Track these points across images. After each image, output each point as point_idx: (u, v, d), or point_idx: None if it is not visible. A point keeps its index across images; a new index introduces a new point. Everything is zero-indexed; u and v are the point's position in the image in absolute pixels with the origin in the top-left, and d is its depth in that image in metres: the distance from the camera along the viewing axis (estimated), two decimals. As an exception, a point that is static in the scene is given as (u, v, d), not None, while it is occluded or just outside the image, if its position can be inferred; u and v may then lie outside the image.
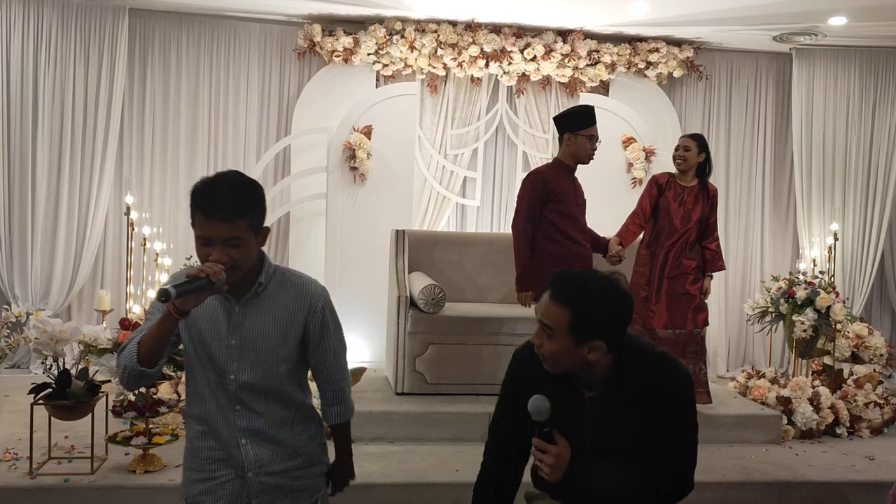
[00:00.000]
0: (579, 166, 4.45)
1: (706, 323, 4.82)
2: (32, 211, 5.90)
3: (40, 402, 3.67)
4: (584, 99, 6.39)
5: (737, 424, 4.81)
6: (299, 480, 2.15)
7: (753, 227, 6.90)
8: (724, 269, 5.06)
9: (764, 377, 5.44)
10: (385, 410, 4.60)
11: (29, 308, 5.52)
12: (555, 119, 4.47)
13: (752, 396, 5.21)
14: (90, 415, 3.74)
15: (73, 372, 3.74)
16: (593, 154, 4.39)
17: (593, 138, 4.34)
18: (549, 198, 4.32)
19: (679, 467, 2.05)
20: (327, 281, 5.84)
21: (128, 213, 5.73)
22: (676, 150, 4.81)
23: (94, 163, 6.00)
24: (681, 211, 4.75)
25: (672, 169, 4.88)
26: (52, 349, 3.67)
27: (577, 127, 4.31)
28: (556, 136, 4.54)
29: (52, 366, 3.73)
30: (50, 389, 3.68)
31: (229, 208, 1.91)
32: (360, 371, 4.93)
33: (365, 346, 5.85)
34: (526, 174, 4.60)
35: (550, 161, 4.58)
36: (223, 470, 2.10)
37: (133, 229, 5.71)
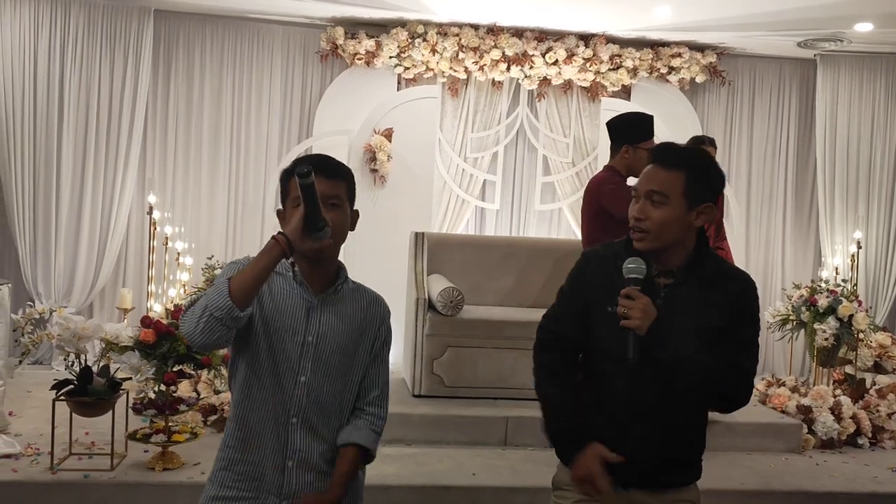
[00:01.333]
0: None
1: None
2: (56, 209, 5.98)
3: (62, 398, 3.71)
4: (606, 104, 6.38)
5: (755, 432, 4.76)
6: None
7: (775, 234, 6.84)
8: None
9: (784, 385, 5.38)
10: (402, 412, 4.61)
11: (52, 305, 5.60)
12: (610, 126, 4.00)
13: (772, 405, 5.16)
14: (111, 412, 3.77)
15: (94, 369, 3.77)
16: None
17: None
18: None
19: (745, 366, 2.00)
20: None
21: (150, 212, 5.78)
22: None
23: (117, 162, 6.07)
24: None
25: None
26: (74, 346, 3.71)
27: (637, 139, 3.88)
28: (609, 144, 4.03)
29: (73, 362, 3.77)
30: (71, 386, 3.72)
31: (331, 166, 1.92)
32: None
33: (383, 347, 5.85)
34: (598, 182, 4.01)
35: (605, 168, 4.08)
36: (256, 492, 1.89)
37: (155, 228, 5.77)
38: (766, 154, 6.84)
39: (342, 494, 1.91)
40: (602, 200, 3.86)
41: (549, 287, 5.60)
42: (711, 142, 4.85)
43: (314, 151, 6.25)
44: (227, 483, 1.91)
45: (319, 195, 1.79)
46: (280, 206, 1.96)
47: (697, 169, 1.98)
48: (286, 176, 1.92)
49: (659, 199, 1.95)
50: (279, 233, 1.77)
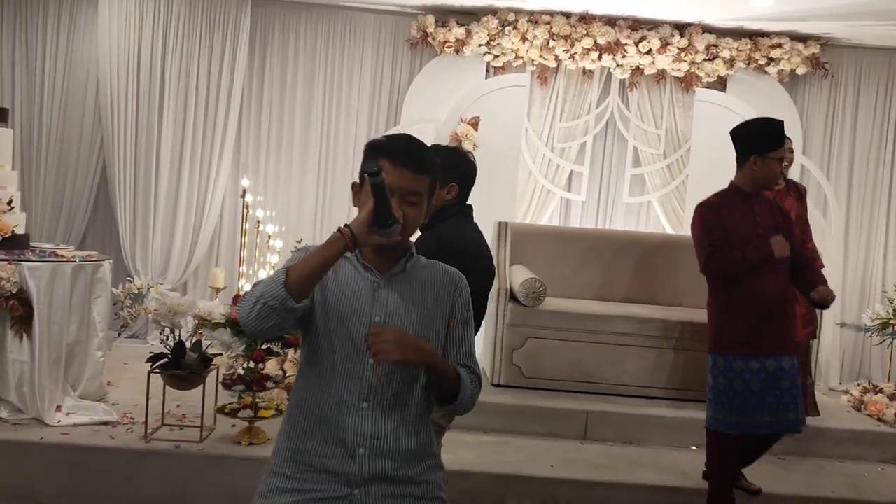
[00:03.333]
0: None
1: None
2: (156, 191, 6.24)
3: (156, 370, 3.87)
4: (701, 95, 6.19)
5: (849, 439, 4.57)
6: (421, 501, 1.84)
7: (877, 235, 6.52)
8: None
9: (882, 392, 5.14)
10: (481, 401, 4.50)
11: (149, 282, 5.84)
12: (734, 136, 3.63)
13: (868, 412, 4.94)
14: (202, 386, 3.92)
15: (187, 344, 3.92)
16: (781, 177, 3.71)
17: (783, 159, 3.63)
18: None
19: None
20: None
21: (243, 195, 5.95)
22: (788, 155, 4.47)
23: (213, 147, 6.29)
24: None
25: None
26: (169, 321, 3.87)
27: (766, 148, 3.52)
28: (735, 155, 3.64)
29: (168, 337, 3.92)
30: (166, 359, 3.88)
31: (417, 157, 1.81)
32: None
33: (464, 336, 5.87)
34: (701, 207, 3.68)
35: (723, 190, 3.67)
36: (324, 484, 1.79)
37: (248, 211, 5.94)
38: (869, 151, 6.51)
39: (432, 352, 1.77)
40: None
41: (635, 282, 5.50)
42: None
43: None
44: (293, 475, 1.81)
45: (400, 189, 1.75)
46: (357, 180, 1.88)
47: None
48: (371, 151, 1.83)
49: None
50: (345, 225, 1.69)
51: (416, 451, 1.84)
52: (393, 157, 1.78)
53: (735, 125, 3.73)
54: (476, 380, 1.90)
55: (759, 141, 3.53)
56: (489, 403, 4.59)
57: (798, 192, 4.66)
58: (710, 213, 3.59)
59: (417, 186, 1.79)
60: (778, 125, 3.58)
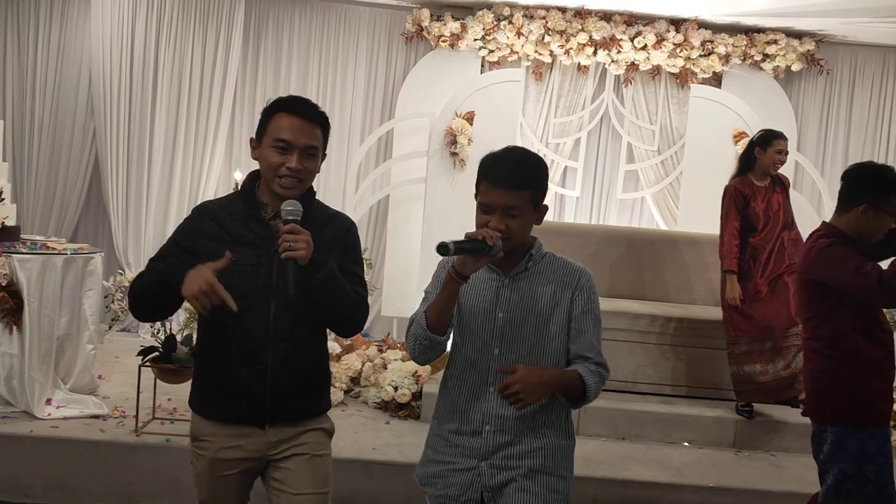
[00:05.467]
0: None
1: None
2: (148, 184, 6.21)
3: (147, 364, 3.85)
4: (696, 91, 6.18)
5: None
6: (537, 486, 2.05)
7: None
8: None
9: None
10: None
11: (141, 275, 5.81)
12: (853, 175, 3.00)
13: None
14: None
15: (178, 337, 3.90)
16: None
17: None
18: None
19: (361, 293, 2.21)
20: (422, 265, 5.89)
21: (236, 189, 5.92)
22: (780, 152, 4.56)
23: (206, 140, 6.26)
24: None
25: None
26: (160, 314, 3.84)
27: (883, 203, 2.88)
28: (845, 194, 2.98)
29: (159, 330, 3.90)
30: (157, 353, 3.86)
31: (513, 177, 2.00)
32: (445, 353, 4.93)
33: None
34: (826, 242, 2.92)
35: (826, 231, 2.96)
36: (459, 457, 2.09)
37: (240, 205, 5.91)
38: (864, 148, 6.51)
39: (553, 378, 2.01)
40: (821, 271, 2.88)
41: (629, 278, 5.51)
42: (784, 136, 4.64)
43: (396, 133, 6.28)
44: (439, 448, 2.13)
45: (501, 207, 1.99)
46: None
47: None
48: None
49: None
50: (451, 267, 1.95)
51: (533, 427, 2.07)
52: (490, 180, 2.02)
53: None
54: (598, 371, 2.05)
55: (882, 191, 2.87)
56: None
57: (783, 184, 4.70)
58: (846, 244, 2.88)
59: (517, 201, 2.00)
60: None
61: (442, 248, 1.85)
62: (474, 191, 2.08)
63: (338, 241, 2.19)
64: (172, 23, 6.16)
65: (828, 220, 2.99)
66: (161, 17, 6.14)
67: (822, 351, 2.84)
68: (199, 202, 6.77)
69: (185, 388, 3.91)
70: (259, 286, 2.11)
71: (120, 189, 6.19)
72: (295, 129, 2.13)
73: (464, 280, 1.95)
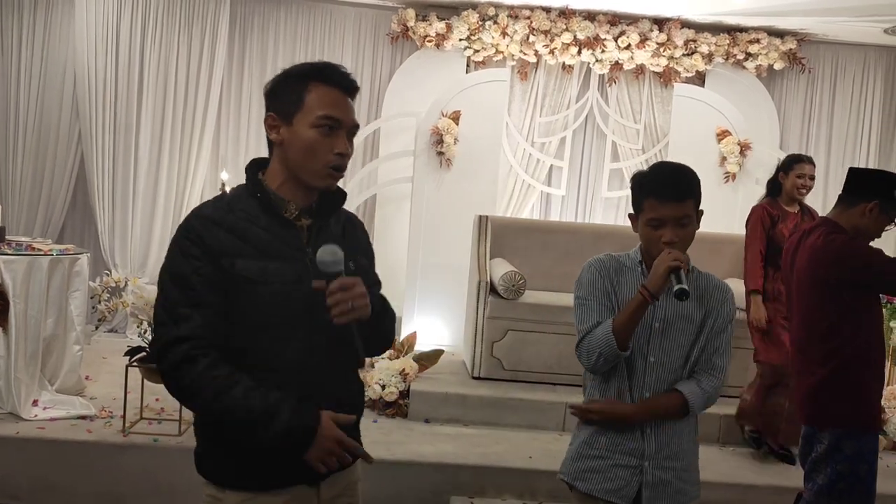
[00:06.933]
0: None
1: None
2: (134, 184, 6.20)
3: (134, 364, 3.86)
4: (679, 90, 6.23)
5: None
6: (682, 483, 2.19)
7: (852, 229, 6.60)
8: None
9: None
10: (461, 393, 4.64)
11: (127, 275, 5.82)
12: (860, 174, 2.98)
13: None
14: (180, 379, 3.90)
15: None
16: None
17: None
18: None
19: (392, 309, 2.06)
20: (409, 264, 5.92)
21: (222, 189, 5.93)
22: (801, 177, 4.33)
23: (192, 140, 6.26)
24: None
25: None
26: (147, 314, 3.85)
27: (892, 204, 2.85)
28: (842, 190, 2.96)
29: (146, 330, 3.91)
30: (144, 353, 3.86)
31: (679, 189, 2.10)
32: (437, 353, 4.98)
33: (444, 328, 5.90)
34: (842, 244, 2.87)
35: (834, 227, 2.90)
36: (619, 455, 2.17)
37: (226, 205, 5.91)
38: (845, 146, 6.59)
39: (638, 412, 2.15)
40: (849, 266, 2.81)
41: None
42: (809, 160, 4.43)
43: (382, 133, 6.29)
44: (597, 445, 2.20)
45: (672, 219, 2.09)
46: (632, 211, 2.27)
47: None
48: (638, 189, 2.22)
49: None
50: (643, 286, 2.06)
51: (679, 431, 2.19)
52: (658, 196, 2.10)
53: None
54: (705, 387, 2.16)
55: (886, 187, 2.85)
56: (469, 396, 4.62)
57: (812, 217, 4.39)
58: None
59: (685, 211, 2.10)
60: None
61: (684, 294, 1.99)
62: (631, 210, 2.24)
63: (362, 243, 1.99)
64: (157, 23, 6.15)
65: (827, 217, 2.94)
66: (146, 18, 6.13)
67: (832, 353, 2.78)
68: (185, 202, 6.71)
69: (172, 387, 3.94)
70: (298, 310, 1.68)
71: (106, 189, 6.17)
72: (341, 105, 1.75)
73: (655, 301, 2.06)
